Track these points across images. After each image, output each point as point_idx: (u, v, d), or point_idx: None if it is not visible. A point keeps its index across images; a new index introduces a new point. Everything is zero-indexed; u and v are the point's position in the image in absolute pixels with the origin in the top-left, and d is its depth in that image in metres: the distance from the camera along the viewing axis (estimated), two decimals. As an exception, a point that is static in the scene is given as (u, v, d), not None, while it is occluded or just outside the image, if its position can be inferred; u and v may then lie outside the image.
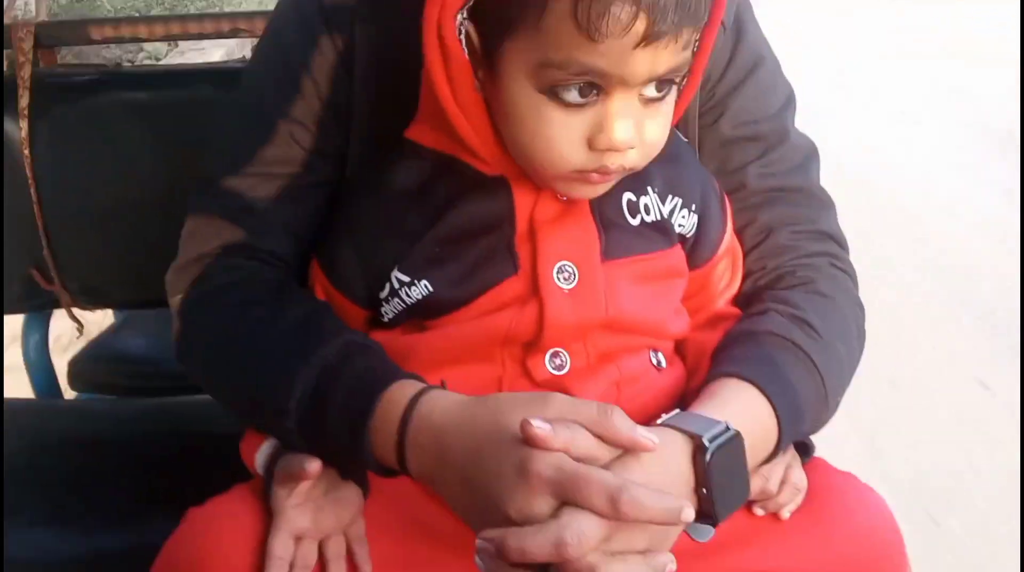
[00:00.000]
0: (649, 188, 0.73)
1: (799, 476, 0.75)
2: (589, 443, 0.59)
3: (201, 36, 1.20)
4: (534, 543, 0.55)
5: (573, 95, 0.62)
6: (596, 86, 0.62)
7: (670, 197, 0.74)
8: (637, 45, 0.58)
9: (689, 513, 0.56)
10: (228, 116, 0.82)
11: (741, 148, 0.81)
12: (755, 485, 0.70)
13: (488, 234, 0.71)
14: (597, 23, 0.57)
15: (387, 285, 0.73)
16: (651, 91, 0.63)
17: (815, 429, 0.74)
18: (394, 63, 0.73)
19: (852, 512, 0.75)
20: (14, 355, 1.50)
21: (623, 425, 0.59)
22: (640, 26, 0.57)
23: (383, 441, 0.64)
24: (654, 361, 0.76)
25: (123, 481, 1.07)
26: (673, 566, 0.58)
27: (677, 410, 0.66)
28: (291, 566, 0.68)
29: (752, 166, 0.80)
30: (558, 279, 0.70)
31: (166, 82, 1.17)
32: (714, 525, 0.63)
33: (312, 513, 0.69)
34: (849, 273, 0.81)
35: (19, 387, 1.50)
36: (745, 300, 0.80)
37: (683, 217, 0.75)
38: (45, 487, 1.08)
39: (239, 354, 0.73)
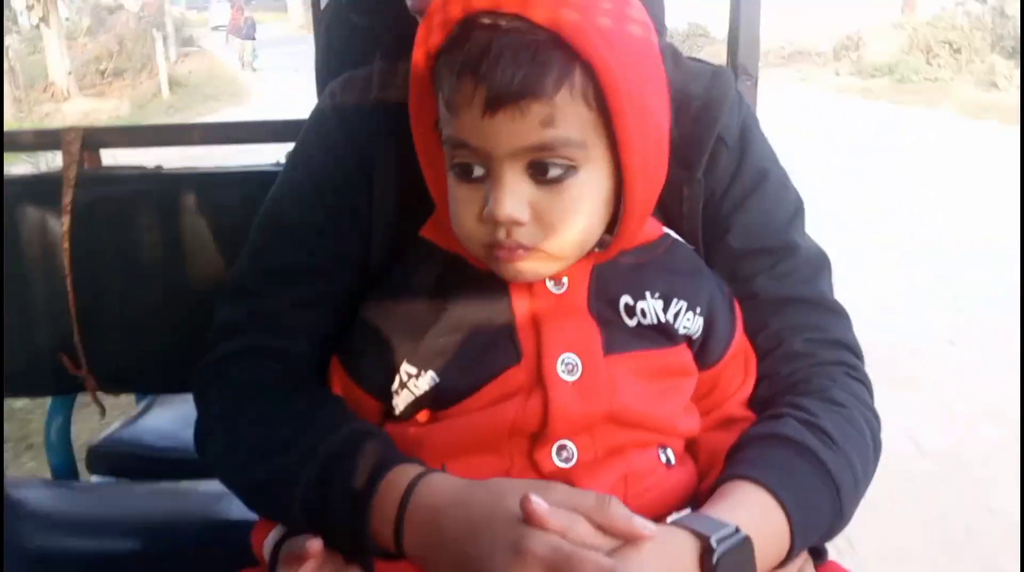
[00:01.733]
0: (648, 293, 0.75)
1: None
2: (587, 531, 0.60)
3: (240, 141, 1.27)
4: None
5: (469, 170, 0.68)
6: (483, 162, 0.67)
7: (675, 301, 0.75)
8: (484, 115, 0.64)
9: None
10: (256, 223, 0.87)
11: (749, 261, 0.82)
12: None
13: (490, 326, 0.73)
14: (451, 98, 0.66)
15: (397, 378, 0.75)
16: (546, 171, 0.66)
17: (829, 537, 0.74)
18: (413, 166, 0.77)
19: None
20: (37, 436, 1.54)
21: (621, 513, 0.60)
22: (479, 97, 0.64)
23: (382, 522, 0.66)
24: (663, 458, 0.76)
25: (136, 563, 1.10)
26: None
27: (688, 510, 0.67)
28: None
29: (761, 277, 0.82)
30: (561, 371, 0.71)
31: (202, 184, 1.23)
32: None
33: None
34: (865, 383, 0.81)
35: (38, 468, 1.53)
36: (760, 404, 0.80)
37: (688, 320, 0.76)
38: (56, 566, 1.10)
39: (248, 446, 0.76)
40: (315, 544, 0.68)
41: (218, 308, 0.85)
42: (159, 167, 1.26)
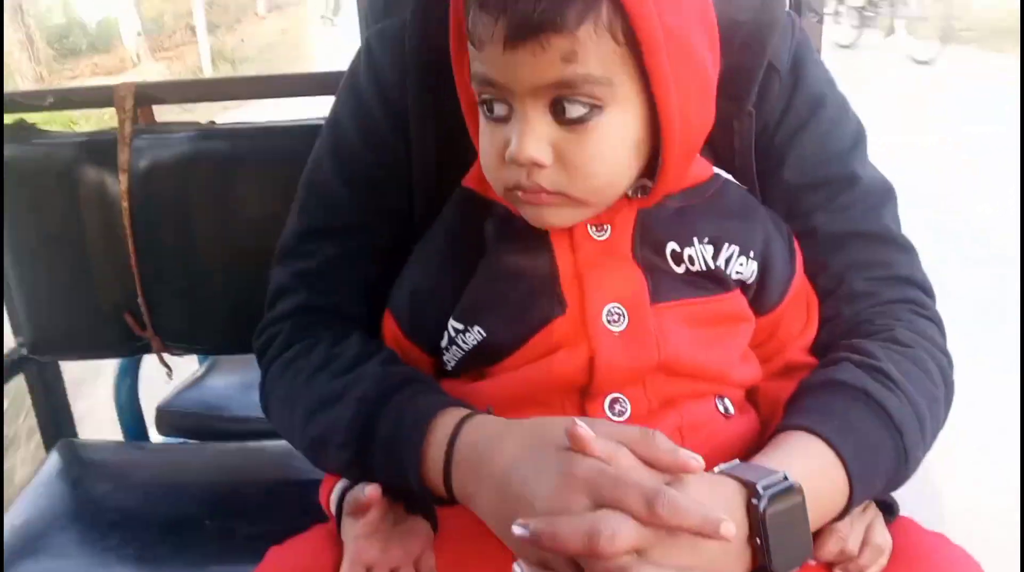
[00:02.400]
0: (695, 239, 0.72)
1: (882, 536, 0.71)
2: (632, 461, 0.58)
3: (292, 94, 1.24)
4: (567, 530, 0.54)
5: (494, 108, 0.66)
6: (507, 100, 0.64)
7: (726, 246, 0.72)
8: (504, 49, 0.61)
9: (729, 527, 0.54)
10: (300, 184, 0.87)
11: (807, 194, 0.78)
12: (832, 545, 0.68)
13: (533, 276, 0.72)
14: (475, 32, 0.63)
15: (445, 334, 0.74)
16: (567, 110, 0.63)
17: (895, 486, 0.70)
18: (450, 116, 0.75)
19: None
20: (107, 398, 1.56)
21: (666, 446, 0.58)
22: (500, 30, 0.61)
23: (430, 467, 0.66)
24: (721, 408, 0.74)
25: (207, 523, 1.10)
26: None
27: (736, 461, 0.64)
28: None
29: (820, 212, 0.78)
30: (607, 321, 0.69)
31: (258, 137, 1.21)
32: None
33: (380, 544, 0.70)
34: (934, 320, 0.78)
35: (109, 429, 1.56)
36: (822, 349, 0.77)
37: (741, 264, 0.73)
38: (131, 529, 1.11)
39: (303, 403, 0.76)
40: (373, 490, 0.68)
41: (273, 268, 0.86)
42: (212, 122, 1.24)
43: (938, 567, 0.71)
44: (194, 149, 1.19)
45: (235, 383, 1.60)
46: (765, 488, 0.59)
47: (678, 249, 0.71)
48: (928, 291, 0.79)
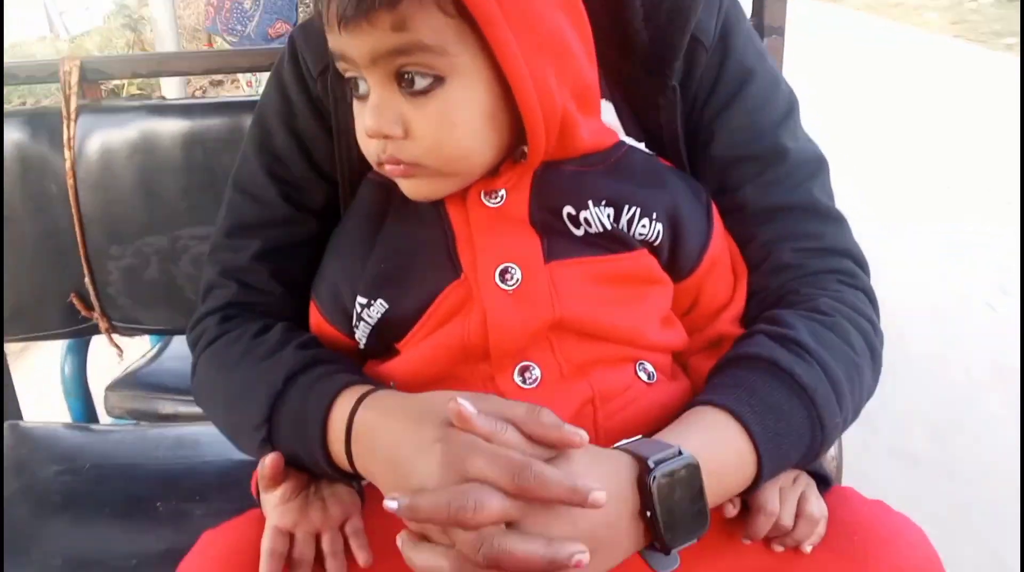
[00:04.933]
0: (590, 202, 0.71)
1: (817, 507, 0.71)
2: (515, 438, 0.58)
3: (242, 70, 1.22)
4: (430, 503, 0.55)
5: (359, 86, 0.68)
6: (361, 75, 0.67)
7: (626, 207, 0.72)
8: (341, 28, 0.64)
9: (599, 496, 0.55)
10: (230, 178, 0.87)
11: (737, 169, 0.78)
12: (762, 522, 0.69)
13: (430, 245, 0.72)
14: (324, 12, 0.66)
15: (354, 311, 0.75)
16: (413, 83, 0.65)
17: (814, 454, 0.70)
18: None
19: (885, 544, 0.70)
20: (54, 379, 1.53)
21: (550, 421, 0.58)
22: (335, 9, 0.64)
23: (334, 443, 0.67)
24: (642, 374, 0.73)
25: (159, 505, 1.09)
26: (583, 557, 0.55)
27: (639, 437, 0.64)
28: (290, 562, 0.71)
29: (749, 186, 0.78)
30: (500, 281, 0.69)
31: (207, 113, 1.19)
32: (666, 553, 0.61)
33: (298, 510, 0.72)
34: (862, 289, 0.77)
35: (56, 411, 1.53)
36: (750, 321, 0.77)
37: (644, 226, 0.73)
38: (80, 511, 1.09)
39: (224, 394, 0.77)
40: (273, 458, 0.70)
41: (206, 263, 0.87)
42: (162, 97, 1.22)
43: (878, 534, 0.71)
44: (142, 126, 1.17)
45: (187, 364, 1.57)
46: (656, 462, 0.59)
47: (574, 212, 0.71)
48: (859, 261, 0.79)
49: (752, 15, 1.11)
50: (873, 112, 5.25)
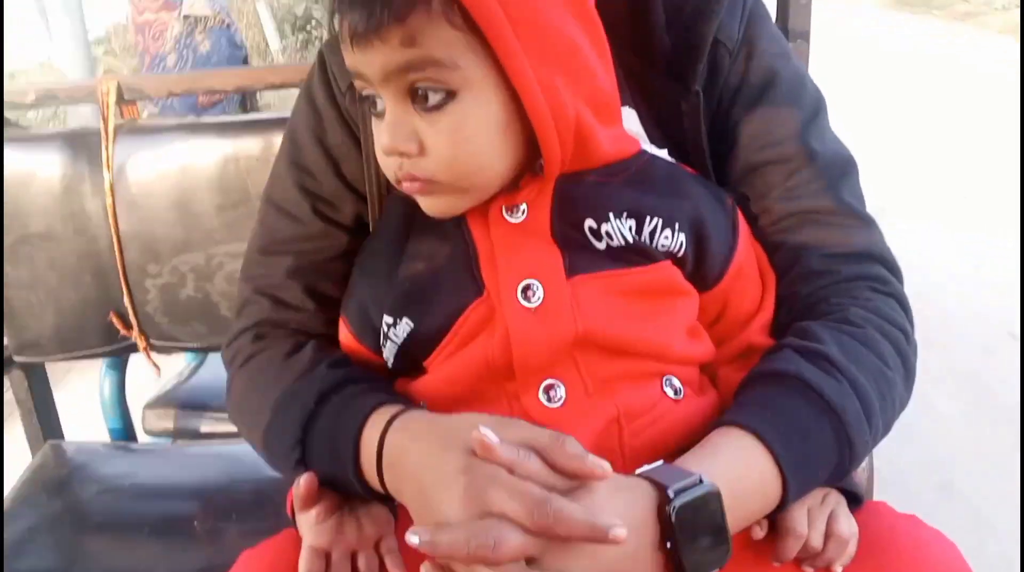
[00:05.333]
0: (611, 214, 0.70)
1: (847, 526, 0.69)
2: (538, 467, 0.57)
3: (274, 86, 1.23)
4: (450, 540, 0.55)
5: (377, 104, 0.68)
6: (376, 92, 0.67)
7: (648, 219, 0.71)
8: (354, 46, 0.64)
9: (619, 532, 0.53)
10: (263, 195, 0.87)
11: (763, 173, 0.77)
12: (791, 545, 0.67)
13: (453, 264, 0.71)
14: (339, 31, 0.66)
15: (380, 330, 0.75)
16: (425, 98, 0.65)
17: (843, 472, 0.68)
18: None
19: (918, 560, 0.68)
20: (93, 398, 1.54)
21: (574, 452, 0.57)
22: (348, 28, 0.64)
23: (366, 464, 0.67)
24: (669, 390, 0.71)
25: (196, 524, 1.09)
26: None
27: (660, 462, 0.63)
28: None
29: (776, 190, 0.76)
30: (523, 298, 0.68)
31: (242, 131, 1.19)
32: None
33: (333, 530, 0.71)
34: (895, 296, 0.75)
35: (96, 431, 1.54)
36: (780, 330, 0.75)
37: (666, 237, 0.71)
38: (119, 531, 1.10)
39: (259, 407, 0.76)
40: (307, 479, 0.69)
41: (240, 280, 0.87)
42: (198, 116, 1.22)
43: (910, 551, 0.70)
44: (178, 145, 1.17)
45: (223, 381, 1.58)
46: (676, 492, 0.58)
47: (595, 225, 0.70)
48: (891, 265, 0.77)
49: (776, 20, 1.09)
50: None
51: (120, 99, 1.19)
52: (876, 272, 0.76)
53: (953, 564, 0.69)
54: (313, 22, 6.98)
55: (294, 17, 7.13)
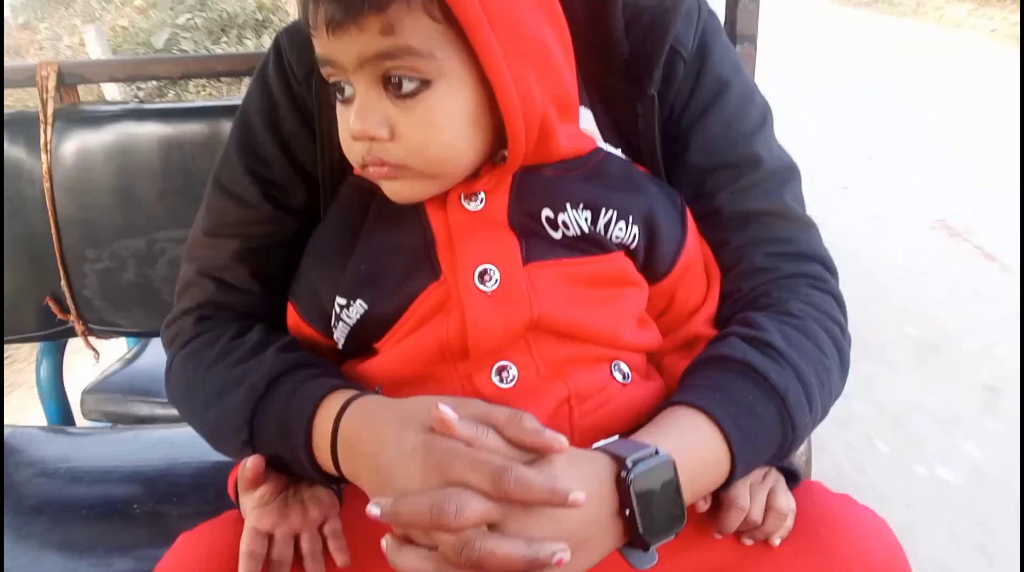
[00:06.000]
0: (568, 205, 0.73)
1: (785, 501, 0.73)
2: (496, 443, 0.59)
3: (221, 74, 1.23)
4: (412, 507, 0.56)
5: (344, 90, 0.69)
6: (347, 78, 0.68)
7: (603, 211, 0.73)
8: (329, 33, 0.65)
9: (578, 495, 0.56)
10: (210, 177, 0.87)
11: (712, 176, 0.80)
12: (733, 517, 0.71)
13: (410, 248, 0.73)
14: (308, 18, 0.67)
15: (332, 312, 0.76)
16: (398, 86, 0.66)
17: (785, 453, 0.72)
18: None
19: (851, 536, 0.73)
20: (28, 381, 1.52)
21: (531, 427, 0.60)
22: (323, 16, 0.65)
23: (319, 447, 0.68)
24: (617, 374, 0.74)
25: (136, 508, 1.09)
26: (564, 556, 0.56)
27: (616, 437, 0.65)
28: (268, 563, 0.71)
29: (723, 192, 0.80)
30: (480, 283, 0.70)
31: (185, 118, 1.19)
32: (645, 549, 0.62)
33: (276, 512, 0.73)
34: (831, 293, 0.79)
35: (34, 416, 1.52)
36: (723, 323, 0.78)
37: (620, 229, 0.74)
38: (56, 514, 1.09)
39: (202, 394, 0.77)
40: (255, 461, 0.70)
41: (183, 261, 0.87)
42: (140, 101, 1.22)
43: (844, 527, 0.73)
44: (120, 129, 1.17)
45: (163, 367, 1.57)
46: (634, 461, 0.60)
47: (552, 215, 0.72)
48: (828, 266, 0.81)
49: (724, 24, 1.13)
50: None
51: (60, 83, 1.18)
52: (815, 270, 0.80)
53: (885, 540, 0.73)
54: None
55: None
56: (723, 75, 0.81)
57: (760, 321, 0.74)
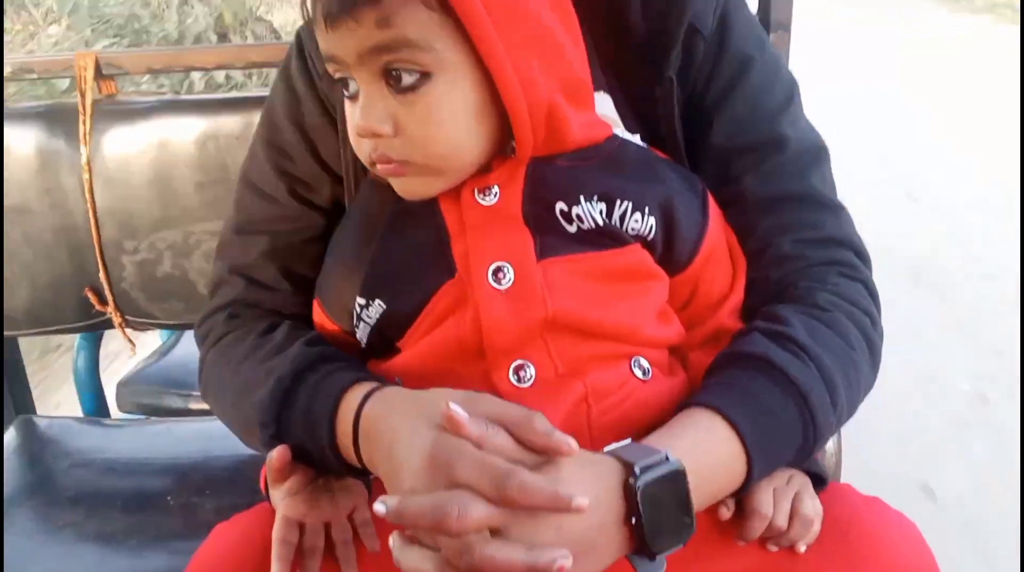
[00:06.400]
0: (582, 197, 0.71)
1: (811, 506, 0.71)
2: (506, 443, 0.59)
3: (258, 65, 1.23)
4: (415, 508, 0.56)
5: (349, 86, 0.68)
6: (349, 74, 0.67)
7: (618, 202, 0.71)
8: (327, 27, 0.65)
9: (582, 501, 0.55)
10: (239, 175, 0.88)
11: (736, 159, 0.78)
12: (756, 524, 0.69)
13: (426, 246, 0.72)
14: (310, 14, 0.67)
15: (354, 311, 0.75)
16: (399, 80, 0.65)
17: (807, 453, 0.70)
18: None
19: (880, 541, 0.70)
20: (67, 372, 1.54)
21: (542, 428, 0.58)
22: (321, 10, 0.65)
23: (343, 440, 0.68)
24: (637, 371, 0.72)
25: (170, 500, 1.10)
26: (565, 563, 0.55)
27: (628, 440, 0.64)
28: (300, 551, 0.72)
29: (749, 175, 0.77)
30: (494, 280, 0.69)
31: (220, 109, 1.19)
32: (651, 558, 0.60)
33: (307, 502, 0.73)
34: (862, 281, 0.77)
35: (68, 406, 1.54)
36: (749, 313, 0.76)
37: (636, 220, 0.72)
38: (91, 506, 1.10)
39: (231, 390, 0.78)
40: (281, 452, 0.70)
41: (213, 264, 0.87)
42: (177, 93, 1.22)
43: (873, 532, 0.71)
44: (157, 121, 1.17)
45: (197, 359, 1.58)
46: (642, 468, 0.59)
47: (566, 208, 0.71)
48: (859, 252, 0.79)
49: (758, 11, 1.11)
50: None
51: (98, 74, 1.18)
52: (845, 257, 0.77)
53: (914, 545, 0.71)
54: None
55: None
56: (746, 52, 0.79)
57: (784, 314, 0.72)
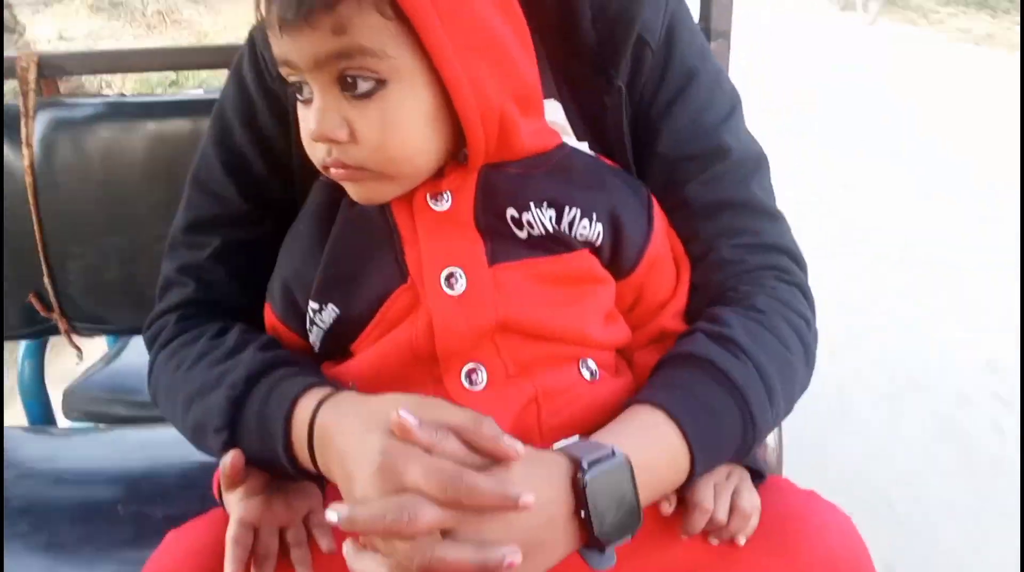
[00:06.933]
0: (532, 204, 0.72)
1: (749, 500, 0.73)
2: (456, 448, 0.59)
3: (207, 66, 1.21)
4: (366, 515, 0.57)
5: (303, 90, 0.68)
6: (304, 79, 0.67)
7: (567, 209, 0.73)
8: (282, 32, 0.64)
9: (528, 499, 0.56)
10: (189, 175, 0.87)
11: (681, 167, 0.80)
12: (697, 519, 0.71)
13: (379, 251, 0.73)
14: (265, 17, 0.66)
15: (306, 315, 0.76)
16: (354, 86, 0.65)
17: (746, 450, 0.72)
18: None
19: (815, 534, 0.73)
20: (10, 380, 1.50)
21: (490, 432, 0.60)
22: (275, 15, 0.64)
23: (297, 445, 0.68)
24: (585, 372, 0.74)
25: (120, 508, 1.08)
26: (515, 558, 0.56)
27: (576, 437, 0.66)
28: (255, 555, 0.71)
29: (692, 183, 0.79)
30: (446, 286, 0.70)
31: (168, 112, 1.17)
32: (601, 550, 0.63)
33: (261, 505, 0.72)
34: (799, 286, 0.80)
35: (13, 415, 1.50)
36: (692, 316, 0.79)
37: (584, 226, 0.74)
38: (40, 515, 1.08)
39: (182, 394, 0.77)
40: (234, 456, 0.70)
41: (163, 260, 0.86)
42: (121, 94, 1.20)
43: (809, 524, 0.74)
44: (103, 123, 1.15)
45: (146, 365, 1.56)
46: (590, 463, 0.61)
47: (516, 214, 0.72)
48: (796, 258, 0.81)
49: (699, 19, 1.13)
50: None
51: (41, 75, 1.16)
52: (782, 262, 0.80)
53: (848, 535, 0.74)
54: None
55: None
56: (691, 63, 0.81)
57: (725, 316, 0.74)
